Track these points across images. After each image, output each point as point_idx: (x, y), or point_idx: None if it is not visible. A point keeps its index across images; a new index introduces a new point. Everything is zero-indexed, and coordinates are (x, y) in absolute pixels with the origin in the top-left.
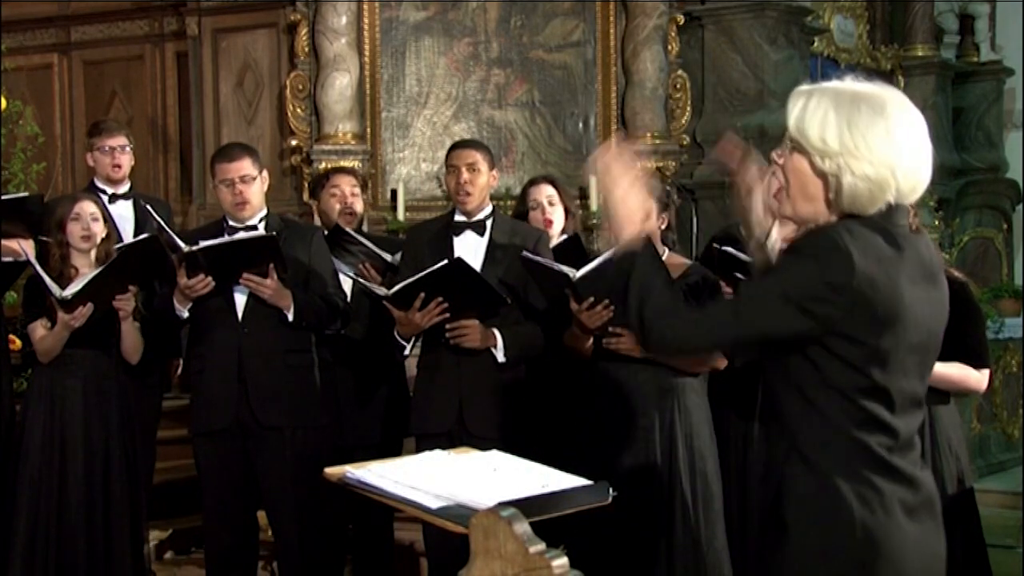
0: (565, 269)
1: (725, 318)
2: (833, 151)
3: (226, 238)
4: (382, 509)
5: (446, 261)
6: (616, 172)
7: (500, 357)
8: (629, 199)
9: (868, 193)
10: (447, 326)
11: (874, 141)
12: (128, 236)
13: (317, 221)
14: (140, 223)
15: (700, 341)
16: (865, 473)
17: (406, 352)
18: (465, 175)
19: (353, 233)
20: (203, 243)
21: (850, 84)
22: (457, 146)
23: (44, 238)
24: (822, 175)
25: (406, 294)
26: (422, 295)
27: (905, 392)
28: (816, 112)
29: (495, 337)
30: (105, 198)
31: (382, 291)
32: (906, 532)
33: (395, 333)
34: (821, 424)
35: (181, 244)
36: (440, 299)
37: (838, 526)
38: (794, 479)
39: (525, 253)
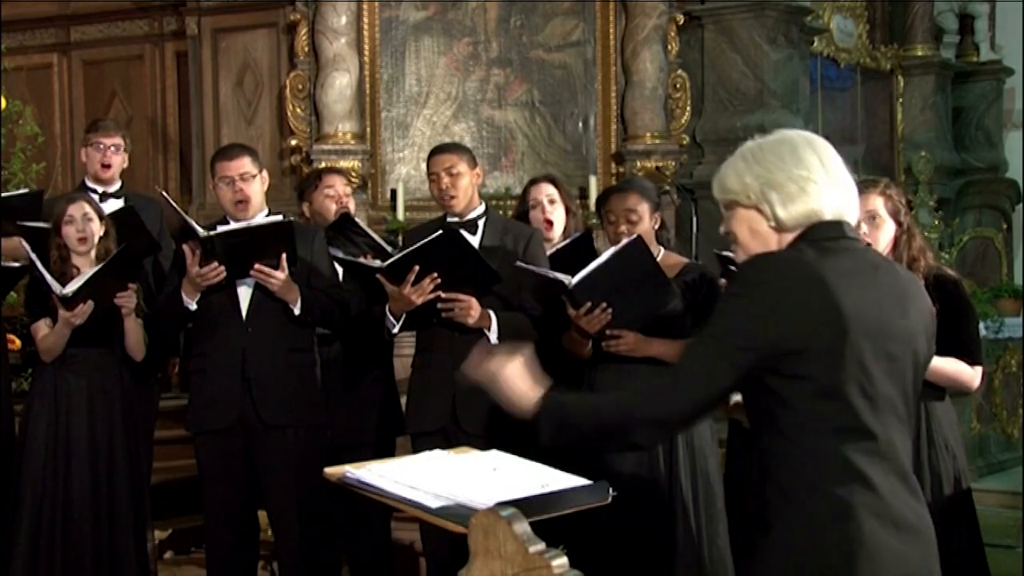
0: (561, 276)
1: (680, 389)
2: (751, 186)
3: (243, 223)
4: (378, 508)
5: (440, 232)
6: (492, 369)
7: (493, 339)
8: (512, 383)
9: (802, 207)
10: (442, 296)
11: (782, 162)
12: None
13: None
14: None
15: (672, 416)
16: (836, 490)
17: (395, 331)
18: (445, 180)
19: (361, 224)
20: (220, 228)
21: (755, 140)
22: (434, 152)
23: (36, 224)
24: (755, 208)
25: (400, 267)
26: (416, 268)
27: (875, 399)
28: (727, 169)
29: (489, 318)
30: (96, 197)
31: (376, 263)
32: (879, 545)
33: (387, 310)
34: (789, 441)
35: (199, 229)
36: (434, 275)
37: (809, 543)
38: (769, 492)
39: (519, 263)
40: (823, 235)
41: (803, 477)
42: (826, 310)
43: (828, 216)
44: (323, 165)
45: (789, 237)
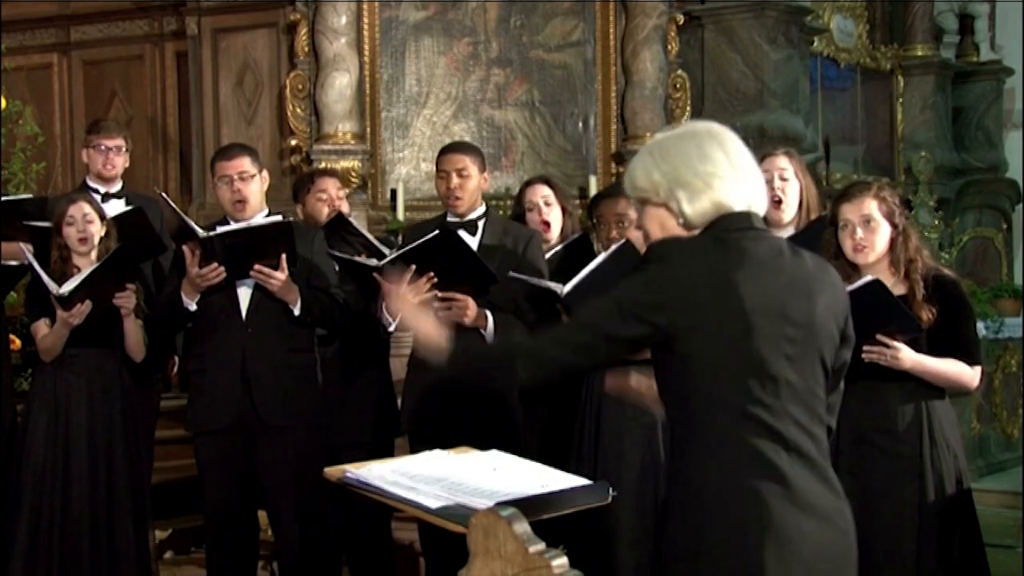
0: (552, 285)
1: (573, 343)
2: (660, 184)
3: (243, 224)
4: (378, 508)
5: (437, 232)
6: (407, 310)
7: (489, 339)
8: (421, 325)
9: (709, 203)
10: (439, 295)
11: (688, 159)
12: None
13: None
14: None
15: (560, 368)
16: (743, 476)
17: (391, 329)
18: (455, 180)
19: (355, 224)
20: (220, 228)
21: (661, 132)
22: (446, 151)
23: (40, 224)
24: (664, 206)
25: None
26: (413, 267)
27: (780, 382)
28: (636, 165)
29: (486, 318)
30: (98, 197)
31: (373, 262)
32: (788, 530)
33: (382, 308)
34: (695, 428)
35: (198, 230)
36: (430, 274)
37: (718, 528)
38: (679, 478)
39: (512, 274)
40: (731, 226)
41: (710, 463)
42: (723, 294)
43: (736, 209)
44: (323, 165)
45: (698, 232)
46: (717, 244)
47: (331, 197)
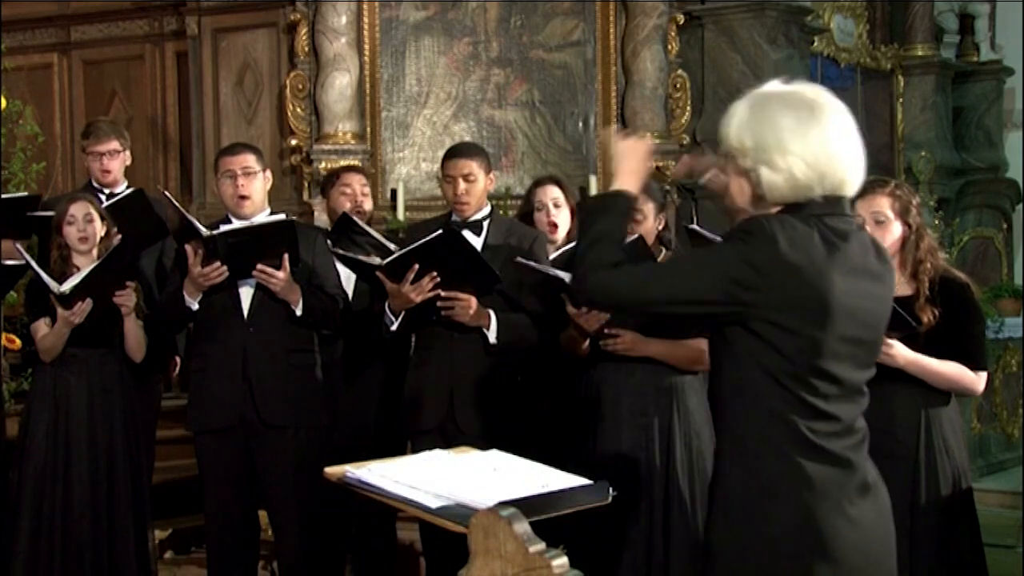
0: (560, 274)
1: (652, 279)
2: (748, 150)
3: (245, 223)
4: (384, 509)
5: (440, 231)
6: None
7: (492, 338)
8: (632, 154)
9: (785, 185)
10: (441, 294)
11: (780, 134)
12: None
13: (324, 219)
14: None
15: (622, 295)
16: (796, 457)
17: (393, 328)
18: (462, 186)
19: (362, 223)
20: (223, 227)
21: (773, 86)
22: (452, 155)
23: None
24: (745, 173)
25: (400, 265)
26: (416, 266)
27: (840, 380)
28: (733, 119)
29: (489, 317)
30: (102, 197)
31: (375, 260)
32: (840, 514)
33: (386, 307)
34: (750, 407)
35: (201, 229)
36: (433, 274)
37: (767, 510)
38: (726, 462)
39: (519, 259)
40: (825, 211)
41: (766, 448)
42: (815, 289)
43: (819, 191)
44: (323, 165)
45: (774, 209)
46: (821, 238)
47: (355, 192)
